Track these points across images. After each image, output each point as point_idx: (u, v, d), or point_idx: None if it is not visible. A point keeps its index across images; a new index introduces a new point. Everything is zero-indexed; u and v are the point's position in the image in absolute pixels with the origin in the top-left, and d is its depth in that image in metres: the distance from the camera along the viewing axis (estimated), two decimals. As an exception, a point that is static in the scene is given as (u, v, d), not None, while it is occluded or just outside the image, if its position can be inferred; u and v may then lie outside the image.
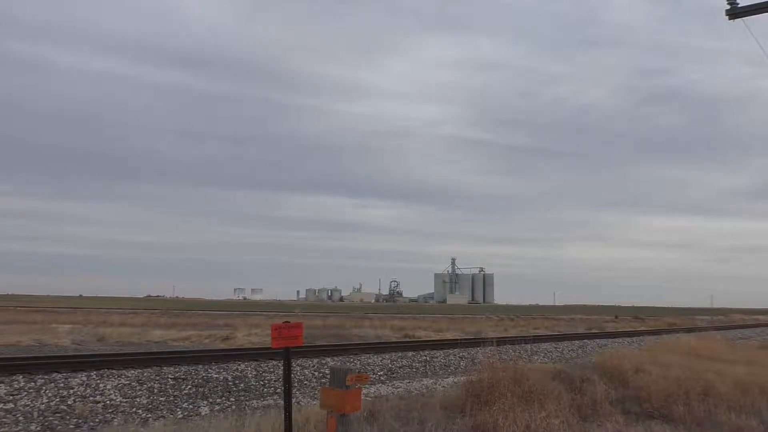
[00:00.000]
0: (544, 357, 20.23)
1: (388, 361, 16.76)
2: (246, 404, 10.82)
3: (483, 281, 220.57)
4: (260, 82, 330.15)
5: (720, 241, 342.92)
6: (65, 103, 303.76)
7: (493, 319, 57.78)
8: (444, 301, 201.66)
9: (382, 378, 14.70)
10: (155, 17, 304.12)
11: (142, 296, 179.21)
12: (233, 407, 10.54)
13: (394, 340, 26.22)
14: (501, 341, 18.07)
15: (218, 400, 11.20)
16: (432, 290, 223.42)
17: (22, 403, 9.83)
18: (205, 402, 10.97)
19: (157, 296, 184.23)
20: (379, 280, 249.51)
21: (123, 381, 11.68)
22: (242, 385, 12.58)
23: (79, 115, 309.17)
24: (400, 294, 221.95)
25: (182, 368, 13.29)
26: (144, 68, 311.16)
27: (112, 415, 9.63)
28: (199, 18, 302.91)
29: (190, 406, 10.57)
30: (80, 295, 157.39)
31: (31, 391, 10.46)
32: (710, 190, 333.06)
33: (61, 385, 10.97)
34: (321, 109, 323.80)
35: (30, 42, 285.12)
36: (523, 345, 20.71)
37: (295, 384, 12.79)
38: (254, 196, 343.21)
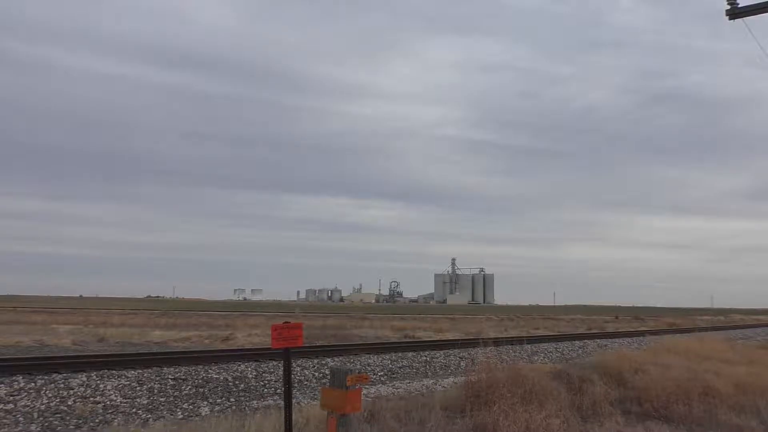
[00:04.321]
0: (544, 357, 20.23)
1: (388, 362, 16.76)
2: (246, 405, 10.82)
3: (483, 281, 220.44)
4: (261, 83, 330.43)
5: (720, 242, 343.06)
6: (65, 103, 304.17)
7: (493, 319, 57.77)
8: (444, 301, 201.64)
9: (382, 378, 14.70)
10: (155, 18, 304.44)
11: (142, 296, 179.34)
12: (233, 408, 10.54)
13: (394, 340, 26.23)
14: (501, 341, 18.10)
15: (218, 401, 11.19)
16: (432, 291, 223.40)
17: (22, 403, 9.83)
18: (206, 402, 10.97)
19: (158, 297, 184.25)
20: (380, 280, 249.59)
21: (123, 381, 11.67)
22: (242, 385, 12.57)
23: (79, 115, 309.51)
24: (400, 294, 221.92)
25: (182, 369, 13.29)
26: (144, 69, 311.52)
27: (113, 416, 9.63)
28: (200, 19, 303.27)
29: (191, 407, 10.57)
30: (80, 296, 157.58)
31: (31, 391, 10.45)
32: (710, 190, 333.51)
33: (61, 385, 10.96)
34: (322, 110, 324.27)
35: (30, 42, 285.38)
36: (523, 345, 20.73)
37: (296, 384, 12.79)
38: (254, 196, 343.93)
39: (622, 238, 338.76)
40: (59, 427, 8.90)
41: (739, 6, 11.20)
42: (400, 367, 16.29)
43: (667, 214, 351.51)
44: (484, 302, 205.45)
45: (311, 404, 9.66)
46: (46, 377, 11.51)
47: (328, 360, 16.14)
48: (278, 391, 12.21)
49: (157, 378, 12.18)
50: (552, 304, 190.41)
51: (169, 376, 12.41)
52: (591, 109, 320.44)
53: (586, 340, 27.47)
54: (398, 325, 38.56)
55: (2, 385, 10.66)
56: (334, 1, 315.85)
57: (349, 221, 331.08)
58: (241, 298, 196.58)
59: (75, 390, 10.79)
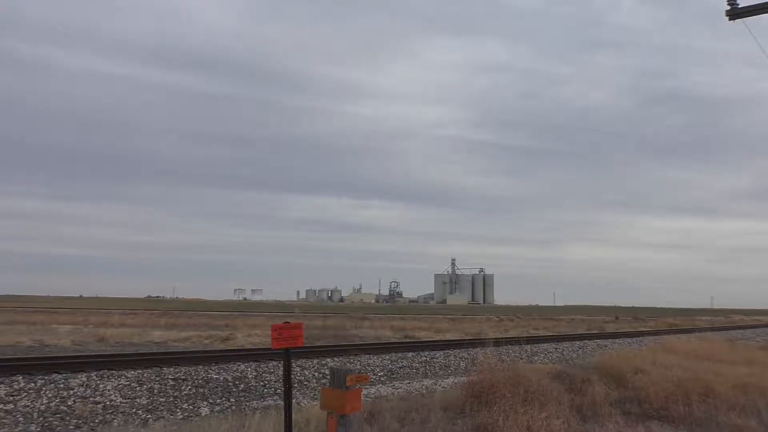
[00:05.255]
0: (544, 357, 20.21)
1: (388, 362, 16.75)
2: (246, 405, 10.81)
3: (483, 282, 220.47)
4: (261, 83, 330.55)
5: (720, 242, 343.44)
6: (66, 103, 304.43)
7: (493, 319, 57.76)
8: (444, 301, 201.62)
9: (382, 379, 14.69)
10: (157, 18, 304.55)
11: (142, 297, 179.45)
12: (233, 408, 10.53)
13: (394, 340, 26.22)
14: (501, 342, 18.09)
15: (218, 401, 11.19)
16: (432, 291, 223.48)
17: (22, 403, 9.82)
18: (205, 403, 10.96)
19: (158, 297, 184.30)
20: (379, 280, 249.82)
21: (123, 382, 11.67)
22: (242, 385, 12.57)
23: (80, 115, 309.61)
24: (400, 294, 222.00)
25: (182, 369, 13.29)
26: (145, 69, 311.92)
27: (112, 416, 9.62)
28: (200, 19, 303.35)
29: (190, 407, 10.56)
30: (80, 296, 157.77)
31: (31, 391, 10.45)
32: (711, 190, 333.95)
33: (61, 385, 10.96)
34: (322, 110, 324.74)
35: (32, 42, 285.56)
36: (523, 346, 20.71)
37: (295, 385, 12.78)
38: (254, 196, 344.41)
39: (622, 238, 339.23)
40: (59, 428, 8.89)
41: (739, 6, 11.21)
42: (400, 368, 16.28)
43: (667, 214, 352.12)
44: (484, 302, 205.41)
45: (311, 404, 9.65)
46: (45, 377, 11.51)
47: (328, 360, 16.13)
48: (278, 391, 12.21)
49: (157, 378, 12.18)
50: (552, 305, 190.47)
51: (169, 377, 12.40)
52: (591, 109, 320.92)
53: (586, 341, 27.47)
54: (398, 325, 38.56)
55: (2, 385, 10.66)
56: (334, 1, 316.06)
57: (349, 221, 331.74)
58: (241, 298, 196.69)
59: (75, 390, 10.78)
